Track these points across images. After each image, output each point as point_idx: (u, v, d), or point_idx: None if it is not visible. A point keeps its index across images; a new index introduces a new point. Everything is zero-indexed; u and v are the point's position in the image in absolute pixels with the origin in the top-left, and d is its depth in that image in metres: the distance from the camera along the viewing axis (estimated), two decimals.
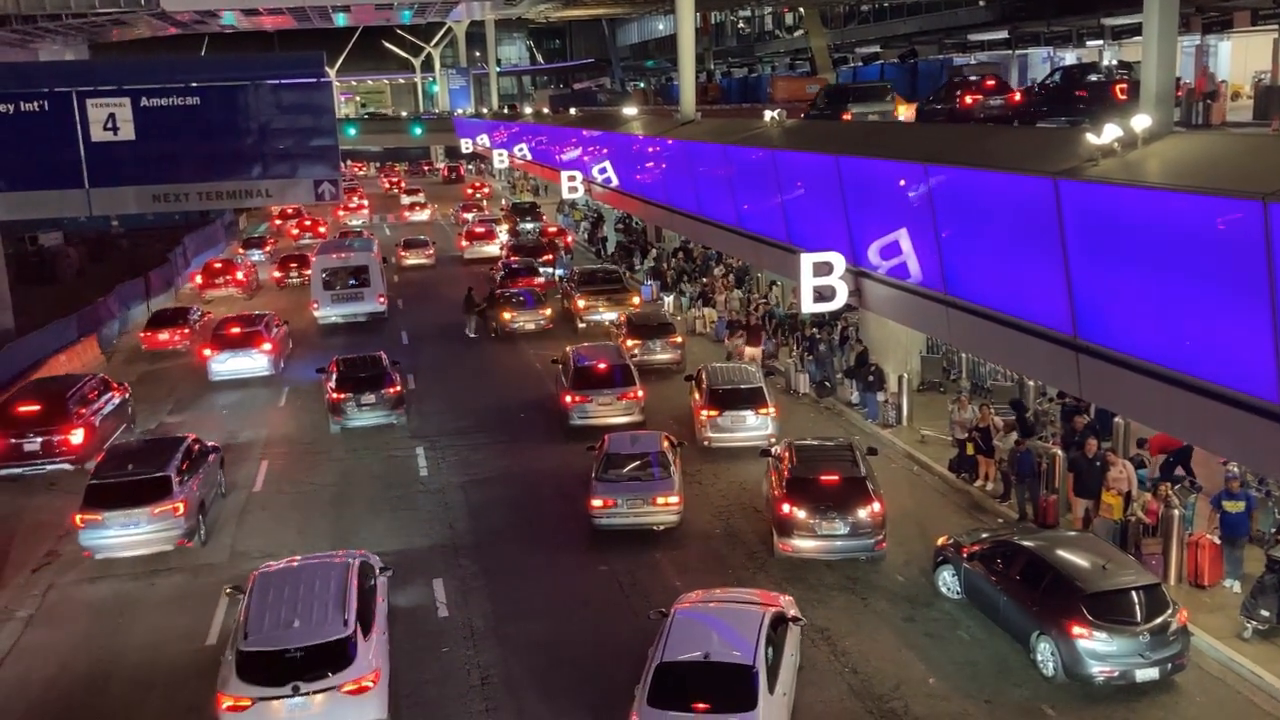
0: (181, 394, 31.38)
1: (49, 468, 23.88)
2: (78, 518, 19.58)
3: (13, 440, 23.75)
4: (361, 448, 25.91)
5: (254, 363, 32.11)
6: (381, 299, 39.25)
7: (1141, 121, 15.21)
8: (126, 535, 19.50)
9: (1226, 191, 12.47)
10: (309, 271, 42.57)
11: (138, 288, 42.92)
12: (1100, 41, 46.33)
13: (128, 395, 27.74)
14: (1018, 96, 27.44)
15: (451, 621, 17.41)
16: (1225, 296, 12.66)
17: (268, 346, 32.32)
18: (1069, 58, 48.23)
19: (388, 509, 22.22)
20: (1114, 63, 36.28)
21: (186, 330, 36.23)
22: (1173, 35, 16.80)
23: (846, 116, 31.23)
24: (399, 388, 27.45)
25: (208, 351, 32.38)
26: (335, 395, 26.94)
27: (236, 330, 32.73)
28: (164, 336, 35.91)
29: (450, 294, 44.19)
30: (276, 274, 48.82)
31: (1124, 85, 24.28)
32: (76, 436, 23.95)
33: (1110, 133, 15.06)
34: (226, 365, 31.97)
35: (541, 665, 15.98)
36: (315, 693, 13.52)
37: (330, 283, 38.84)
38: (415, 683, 15.64)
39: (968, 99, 27.31)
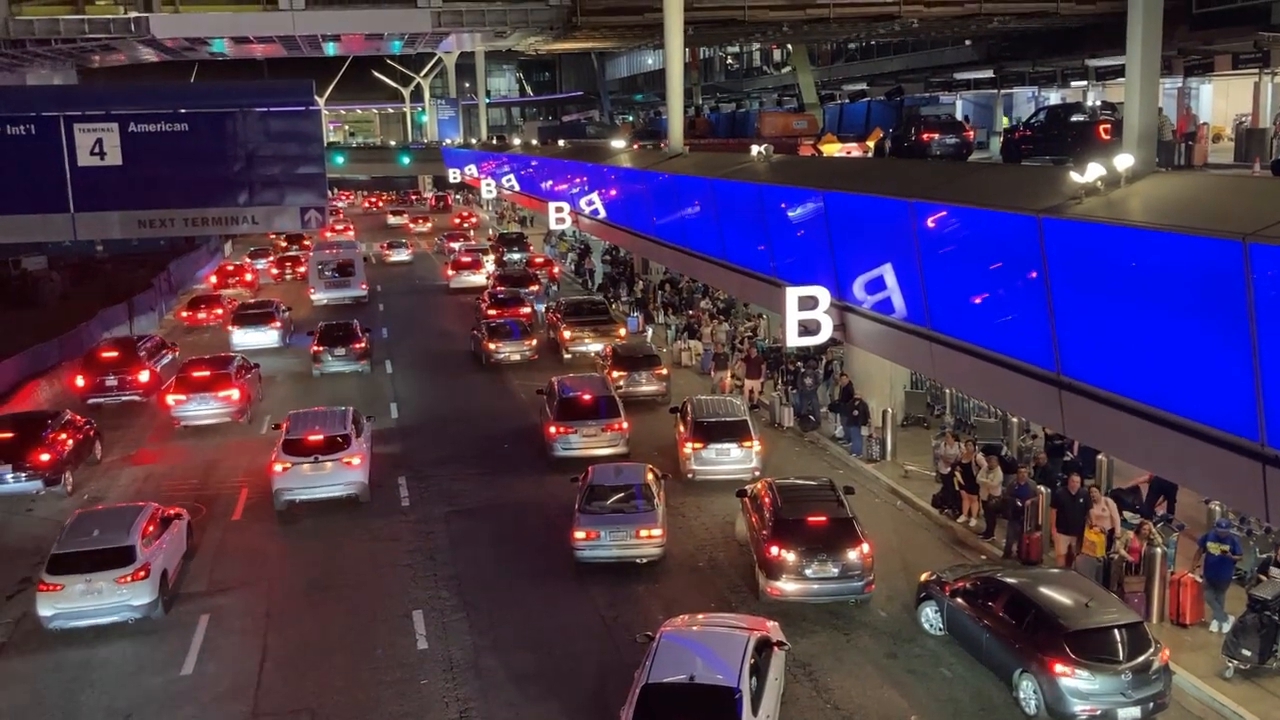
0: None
1: (123, 398, 31.78)
2: (169, 398, 29.83)
3: (97, 378, 31.66)
4: None
5: (266, 336, 40.13)
6: (363, 286, 49.72)
7: (1124, 161, 15.35)
8: (203, 409, 29.52)
9: (1207, 231, 12.57)
10: (301, 269, 56.17)
11: (120, 313, 42.75)
12: (1084, 82, 46.90)
13: (178, 352, 36.06)
14: (971, 134, 32.77)
15: (431, 654, 17.22)
16: (1206, 335, 12.73)
17: (277, 324, 40.74)
18: (1054, 97, 48.78)
19: (368, 538, 22.08)
20: (1098, 103, 36.70)
21: (218, 311, 45.40)
22: (1155, 77, 17.02)
23: (635, 146, 42.14)
24: (364, 345, 35.97)
25: (230, 327, 40.63)
26: (315, 348, 35.64)
27: (253, 311, 41.53)
28: (201, 315, 45.60)
29: (438, 324, 44.27)
30: (274, 271, 60.03)
31: (1108, 125, 24.63)
32: (144, 376, 32.09)
33: (1094, 171, 15.18)
34: (245, 338, 39.65)
35: (521, 699, 15.81)
36: (326, 462, 23.16)
37: (324, 273, 49.25)
38: (394, 715, 15.46)
39: (925, 136, 30.35)
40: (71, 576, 17.87)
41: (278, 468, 23.21)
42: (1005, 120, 48.41)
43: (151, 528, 19.26)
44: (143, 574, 18.17)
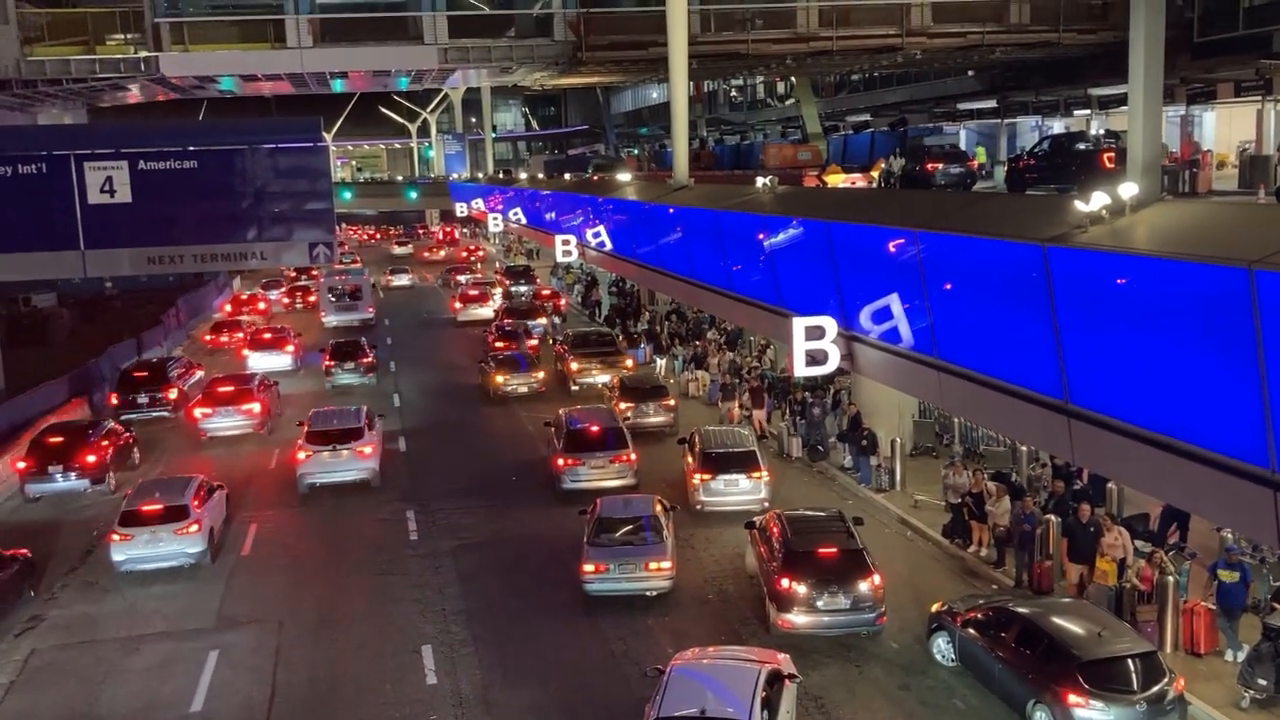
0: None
1: (153, 414, 34.43)
2: (197, 411, 32.54)
3: (129, 395, 34.45)
4: (353, 509, 25.82)
5: (279, 360, 42.66)
6: (370, 309, 53.73)
7: (1129, 189, 15.41)
8: (228, 421, 32.41)
9: (1213, 258, 12.59)
10: (311, 298, 59.87)
11: (129, 350, 42.87)
12: (1087, 111, 47.12)
13: (203, 371, 39.36)
14: (975, 163, 34.20)
15: (439, 689, 17.14)
16: (1214, 361, 12.72)
17: (290, 348, 43.56)
18: (1057, 126, 49.03)
19: (377, 572, 22.03)
20: (1101, 132, 36.85)
21: (240, 335, 47.99)
22: (1158, 106, 17.12)
23: (566, 176, 47.86)
24: (371, 359, 39.61)
25: (246, 351, 43.45)
26: (327, 363, 38.99)
27: (268, 336, 44.50)
28: (224, 339, 48.56)
29: (445, 357, 44.36)
30: (285, 300, 63.76)
31: (1111, 153, 24.77)
32: (173, 394, 35.01)
33: (1098, 200, 15.23)
34: (260, 361, 41.90)
35: None
36: (344, 450, 26.62)
37: (334, 297, 53.59)
38: None
39: (930, 166, 31.24)
40: (138, 528, 21.63)
41: (301, 455, 26.74)
42: (981, 151, 48.61)
43: (200, 496, 22.81)
44: (195, 528, 21.98)
